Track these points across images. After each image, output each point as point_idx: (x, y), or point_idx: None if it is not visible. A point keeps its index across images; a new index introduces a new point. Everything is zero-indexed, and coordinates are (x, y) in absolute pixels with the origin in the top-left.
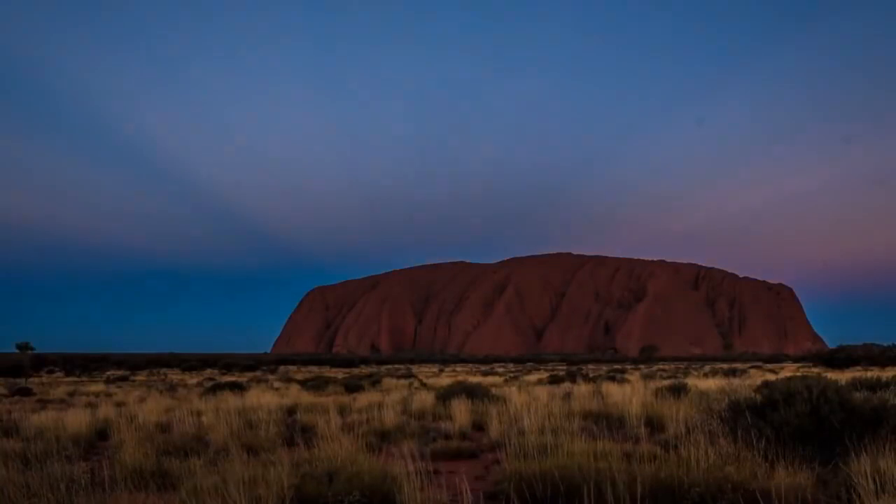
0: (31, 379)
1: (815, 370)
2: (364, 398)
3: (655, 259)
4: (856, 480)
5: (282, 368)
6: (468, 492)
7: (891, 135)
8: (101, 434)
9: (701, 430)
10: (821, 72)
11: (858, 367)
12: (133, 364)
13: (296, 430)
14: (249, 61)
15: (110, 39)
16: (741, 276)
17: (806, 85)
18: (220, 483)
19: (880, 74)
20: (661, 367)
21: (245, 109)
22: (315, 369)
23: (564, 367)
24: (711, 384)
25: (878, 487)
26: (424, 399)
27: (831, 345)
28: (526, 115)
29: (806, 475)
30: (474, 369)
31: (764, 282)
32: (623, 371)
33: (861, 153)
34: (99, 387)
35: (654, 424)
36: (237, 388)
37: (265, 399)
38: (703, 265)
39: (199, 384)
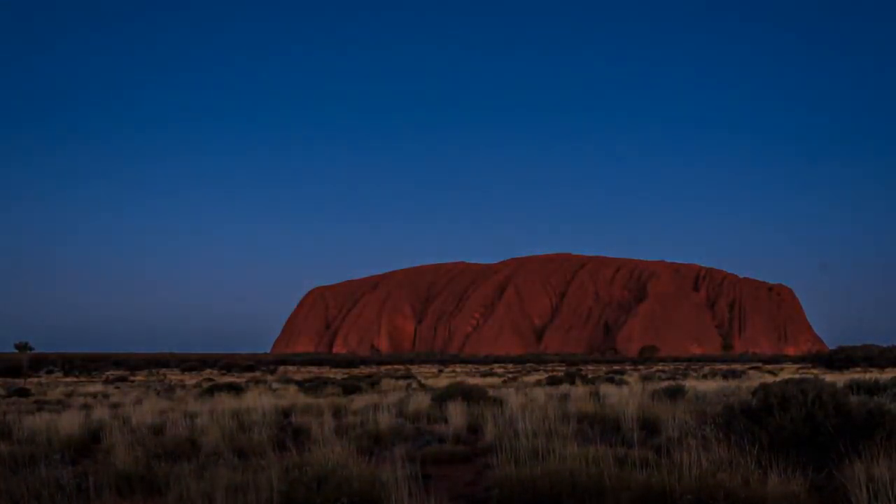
0: (29, 379)
1: (815, 371)
2: (361, 400)
3: (656, 259)
4: (849, 488)
5: (281, 369)
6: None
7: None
8: (95, 436)
9: (694, 435)
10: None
11: (858, 369)
12: (132, 364)
13: (289, 434)
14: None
15: None
16: (741, 276)
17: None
18: (207, 489)
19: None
20: (660, 367)
21: (245, 111)
22: (314, 370)
23: (564, 368)
24: (710, 386)
25: (872, 495)
26: (421, 401)
27: (831, 345)
28: (527, 113)
29: (799, 482)
30: (474, 370)
31: (764, 282)
32: (622, 372)
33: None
34: (97, 387)
35: (649, 428)
36: (235, 389)
37: (262, 401)
38: (704, 265)
39: (198, 385)
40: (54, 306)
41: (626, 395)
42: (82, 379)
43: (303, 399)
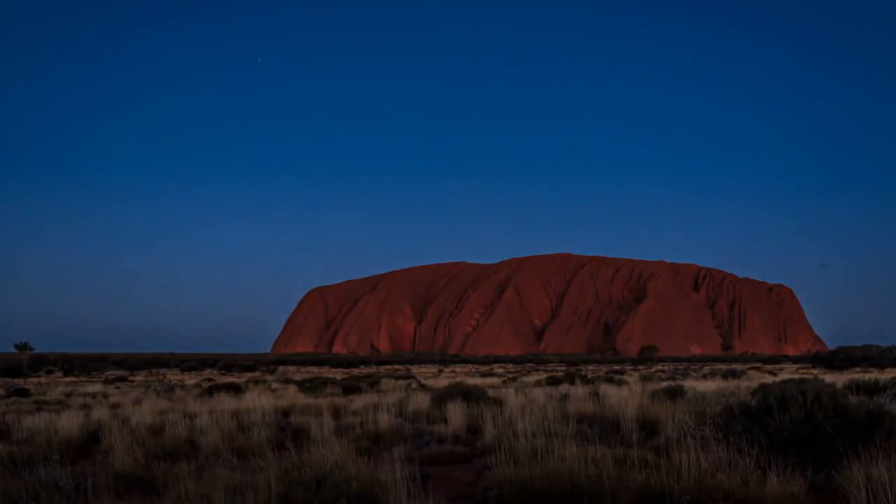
0: (29, 379)
1: (814, 372)
2: (361, 400)
3: (656, 259)
4: (848, 489)
5: (281, 369)
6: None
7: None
8: (94, 437)
9: (693, 436)
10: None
11: (857, 369)
12: (132, 364)
13: (288, 434)
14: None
15: None
16: (741, 276)
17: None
18: (206, 489)
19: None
20: (660, 367)
21: (245, 113)
22: (314, 370)
23: (564, 368)
24: (709, 386)
25: (871, 496)
26: (421, 401)
27: (831, 345)
28: (527, 114)
29: (798, 482)
30: (474, 370)
31: (764, 282)
32: (622, 372)
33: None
34: (97, 387)
35: (649, 428)
36: (234, 389)
37: (261, 401)
38: (703, 265)
39: (197, 385)
40: (54, 306)
41: (626, 396)
42: (82, 379)
43: (302, 399)
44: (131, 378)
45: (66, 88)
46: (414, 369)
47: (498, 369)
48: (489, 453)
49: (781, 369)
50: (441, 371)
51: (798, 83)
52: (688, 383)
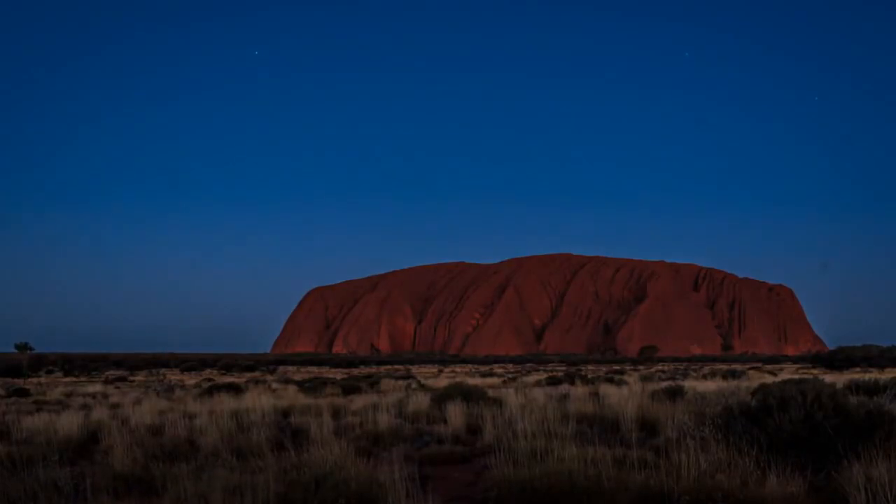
0: (29, 379)
1: (814, 372)
2: (361, 400)
3: (656, 259)
4: (847, 490)
5: (281, 369)
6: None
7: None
8: (94, 437)
9: (693, 436)
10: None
11: (857, 369)
12: (132, 364)
13: (287, 434)
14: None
15: None
16: (741, 276)
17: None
18: (205, 490)
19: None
20: (660, 367)
21: (245, 112)
22: (314, 370)
23: (564, 368)
24: (709, 386)
25: (870, 497)
26: (420, 401)
27: (831, 345)
28: (527, 114)
29: (798, 483)
30: (474, 370)
31: (764, 282)
32: (622, 372)
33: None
34: (97, 387)
35: (648, 428)
36: (234, 389)
37: (261, 401)
38: (703, 265)
39: (197, 385)
40: (54, 307)
41: (626, 396)
42: (82, 379)
43: (302, 399)
44: (131, 378)
45: (64, 89)
46: (414, 369)
47: (498, 369)
48: (489, 454)
49: (781, 369)
50: (441, 371)
51: (798, 83)
52: (688, 383)
